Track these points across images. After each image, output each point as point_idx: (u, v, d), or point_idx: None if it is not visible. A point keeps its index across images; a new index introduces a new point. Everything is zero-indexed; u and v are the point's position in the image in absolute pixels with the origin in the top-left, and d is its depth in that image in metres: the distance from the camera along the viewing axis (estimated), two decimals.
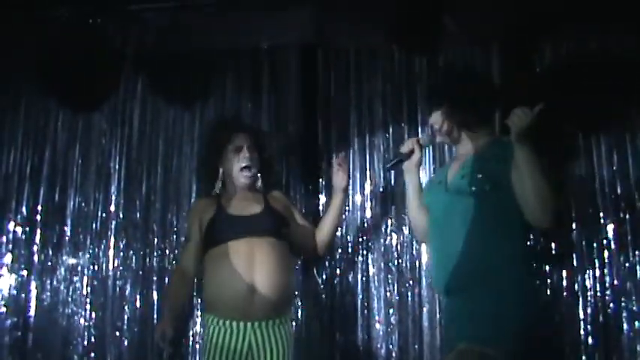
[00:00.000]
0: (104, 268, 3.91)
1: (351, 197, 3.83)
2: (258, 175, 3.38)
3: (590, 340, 3.54)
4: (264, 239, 3.18)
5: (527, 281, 2.75)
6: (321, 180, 3.92)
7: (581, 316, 3.58)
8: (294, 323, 3.65)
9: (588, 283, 3.61)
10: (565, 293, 3.62)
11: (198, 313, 3.83)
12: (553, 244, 3.68)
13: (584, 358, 3.53)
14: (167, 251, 3.91)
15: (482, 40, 3.88)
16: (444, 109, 2.89)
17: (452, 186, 2.78)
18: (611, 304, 3.56)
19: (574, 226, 3.68)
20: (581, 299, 3.60)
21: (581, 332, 3.57)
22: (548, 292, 3.62)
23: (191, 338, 3.83)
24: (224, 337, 3.08)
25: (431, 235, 2.88)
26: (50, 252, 3.95)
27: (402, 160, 3.05)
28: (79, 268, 3.93)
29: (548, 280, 3.64)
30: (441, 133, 2.93)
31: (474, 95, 2.86)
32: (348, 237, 3.89)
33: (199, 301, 3.76)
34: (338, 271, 3.86)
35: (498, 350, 2.49)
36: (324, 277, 3.84)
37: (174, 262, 3.83)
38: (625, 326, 3.51)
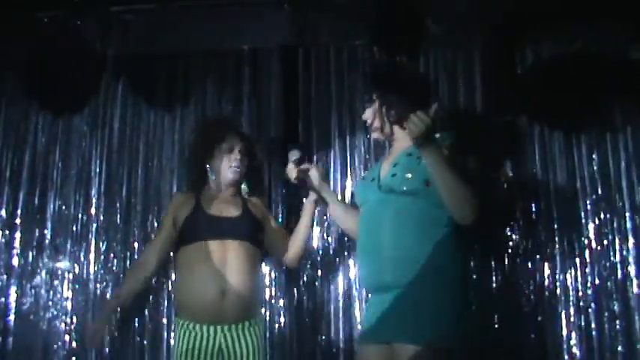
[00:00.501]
0: (85, 271, 3.88)
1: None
2: (242, 181, 3.38)
3: (572, 340, 3.57)
4: (239, 243, 3.17)
5: (462, 279, 2.76)
6: None
7: (564, 316, 3.62)
8: (276, 325, 3.74)
9: (570, 282, 3.65)
10: (546, 293, 3.66)
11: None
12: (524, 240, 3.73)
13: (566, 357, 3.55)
14: None
15: (464, 41, 3.91)
16: (376, 103, 2.90)
17: (384, 184, 2.77)
18: (592, 304, 3.59)
19: (555, 225, 3.71)
20: (563, 299, 3.63)
21: (564, 332, 3.60)
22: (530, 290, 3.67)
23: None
24: (194, 341, 3.08)
25: (362, 231, 2.85)
26: (30, 255, 3.93)
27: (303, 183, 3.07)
28: (60, 272, 3.90)
29: (531, 280, 3.69)
30: (373, 129, 2.94)
31: (403, 91, 2.86)
32: (329, 239, 3.89)
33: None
34: (319, 272, 3.85)
35: (437, 349, 2.53)
36: (305, 279, 3.84)
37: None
38: (606, 326, 3.56)
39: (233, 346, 3.10)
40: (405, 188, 2.68)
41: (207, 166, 3.36)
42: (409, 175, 2.69)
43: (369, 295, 2.85)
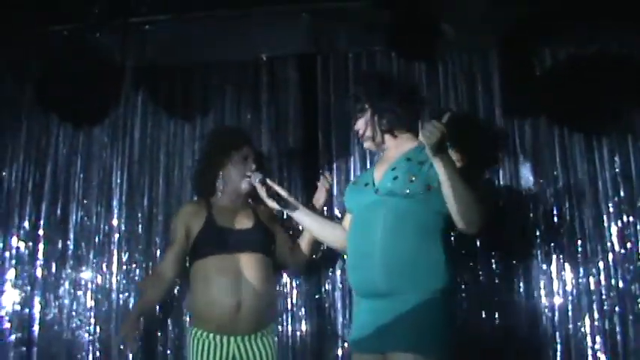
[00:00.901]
0: (107, 281, 3.88)
1: None
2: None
3: (597, 345, 3.54)
4: (253, 255, 3.21)
5: (455, 287, 2.79)
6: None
7: (587, 319, 3.58)
8: (298, 334, 3.73)
9: (593, 286, 3.60)
10: (569, 297, 3.63)
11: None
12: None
13: None
14: None
15: (481, 46, 3.89)
16: (368, 112, 2.92)
17: (383, 188, 2.75)
18: (617, 308, 3.55)
19: (577, 228, 3.67)
20: (586, 302, 3.60)
21: (588, 336, 3.56)
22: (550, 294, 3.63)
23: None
24: (208, 350, 3.11)
25: (353, 236, 2.84)
26: (53, 266, 3.92)
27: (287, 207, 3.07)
28: (83, 282, 3.89)
29: (553, 284, 3.65)
30: (365, 138, 2.94)
31: (394, 100, 2.89)
32: None
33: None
34: (339, 278, 3.81)
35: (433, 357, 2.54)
36: (327, 287, 3.80)
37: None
38: (631, 330, 3.51)
39: (247, 355, 3.13)
40: (407, 191, 2.67)
41: (221, 173, 3.38)
42: (413, 179, 2.70)
43: (359, 300, 2.82)
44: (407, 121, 2.96)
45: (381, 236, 2.67)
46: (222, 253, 3.17)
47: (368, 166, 3.86)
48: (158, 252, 3.86)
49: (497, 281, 3.65)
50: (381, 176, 2.82)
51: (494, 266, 3.66)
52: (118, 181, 4.00)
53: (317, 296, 3.77)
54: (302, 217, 3.09)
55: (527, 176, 3.77)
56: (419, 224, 2.67)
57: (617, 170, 3.70)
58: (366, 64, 3.98)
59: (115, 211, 3.96)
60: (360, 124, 2.96)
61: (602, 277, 3.59)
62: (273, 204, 3.04)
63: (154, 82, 4.06)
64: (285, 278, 3.80)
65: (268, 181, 3.11)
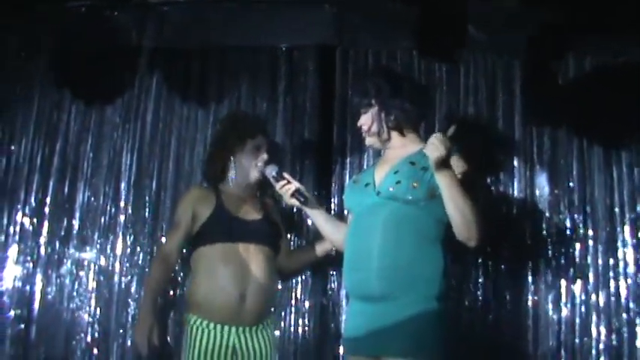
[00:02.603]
0: (111, 263, 3.82)
1: None
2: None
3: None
4: (260, 247, 3.18)
5: (448, 294, 2.75)
6: (333, 184, 3.83)
7: (594, 335, 3.55)
8: (300, 330, 3.69)
9: (603, 302, 3.57)
10: (578, 312, 3.60)
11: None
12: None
13: None
14: None
15: (504, 50, 3.83)
16: (375, 108, 2.87)
17: (384, 190, 2.72)
18: (625, 327, 3.53)
19: (590, 242, 3.64)
20: (595, 319, 3.57)
21: (593, 352, 3.54)
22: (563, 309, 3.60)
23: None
24: (208, 339, 3.06)
25: (351, 237, 2.81)
26: (57, 245, 3.86)
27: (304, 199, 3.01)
28: (86, 263, 3.83)
29: (562, 299, 3.62)
30: (370, 134, 2.90)
31: (404, 97, 2.86)
32: None
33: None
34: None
35: None
36: (333, 285, 3.75)
37: (179, 262, 3.63)
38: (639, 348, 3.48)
39: (247, 346, 3.10)
40: (410, 197, 2.65)
41: (232, 160, 3.33)
42: (415, 185, 2.67)
43: (353, 301, 2.81)
44: (415, 120, 2.94)
45: (380, 240, 2.66)
46: (230, 241, 3.14)
47: None
48: (163, 238, 3.78)
49: (504, 293, 3.62)
50: (382, 178, 2.79)
51: (501, 277, 3.63)
52: (128, 162, 3.93)
53: (322, 293, 3.74)
54: (317, 215, 3.06)
55: (542, 186, 3.71)
56: (419, 231, 2.65)
57: (635, 185, 3.66)
58: (386, 61, 3.92)
59: (123, 193, 3.89)
60: (366, 120, 2.92)
61: (612, 293, 3.57)
62: (291, 199, 2.98)
63: (169, 65, 3.99)
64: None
65: (285, 174, 3.04)
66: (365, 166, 3.77)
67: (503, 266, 3.62)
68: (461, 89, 3.86)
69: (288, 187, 2.97)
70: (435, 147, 2.51)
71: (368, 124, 2.91)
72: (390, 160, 2.86)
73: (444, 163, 2.55)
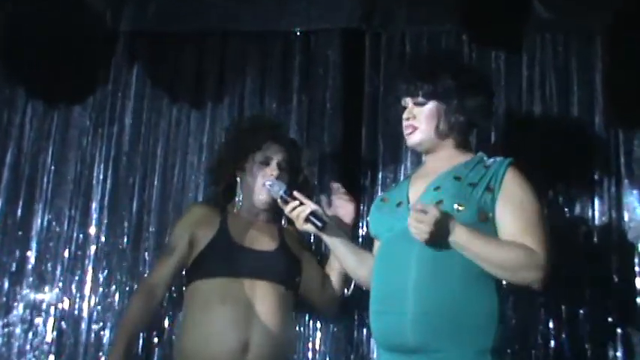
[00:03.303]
0: (77, 307, 3.49)
1: None
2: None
3: None
4: (271, 285, 2.91)
5: (506, 347, 2.56)
6: (362, 205, 3.40)
7: None
8: None
9: None
10: None
11: None
12: None
13: None
14: None
15: (581, 31, 3.47)
16: (436, 102, 2.55)
17: None
18: None
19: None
20: None
21: None
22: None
23: None
24: None
25: (379, 272, 2.54)
26: (5, 283, 3.53)
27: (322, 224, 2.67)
28: (44, 307, 3.50)
29: None
30: (420, 132, 2.57)
31: (481, 90, 2.58)
32: None
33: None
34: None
35: None
36: (360, 332, 3.38)
37: (165, 305, 3.34)
38: None
39: None
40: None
41: (238, 179, 3.07)
42: (461, 208, 2.37)
43: (381, 353, 2.53)
44: (476, 123, 2.66)
45: (416, 276, 2.37)
46: (233, 276, 2.87)
47: None
48: (147, 272, 3.44)
49: (584, 346, 3.21)
50: (419, 195, 2.50)
51: (579, 325, 3.24)
52: (101, 177, 3.63)
53: (346, 342, 3.40)
54: (338, 245, 2.72)
55: (632, 206, 3.32)
56: (466, 264, 2.34)
57: None
58: (427, 46, 3.59)
59: (94, 216, 3.58)
60: (419, 114, 2.56)
61: None
62: (305, 225, 2.64)
63: (154, 54, 3.71)
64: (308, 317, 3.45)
65: (296, 193, 2.67)
66: (401, 178, 3.40)
67: (581, 310, 3.24)
68: (523, 82, 3.51)
69: (300, 210, 2.63)
70: (415, 230, 2.29)
71: (422, 121, 2.55)
72: (431, 173, 2.55)
73: (439, 237, 2.29)
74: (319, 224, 2.62)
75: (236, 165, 3.05)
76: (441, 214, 2.24)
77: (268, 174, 2.96)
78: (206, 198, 3.35)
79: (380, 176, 3.50)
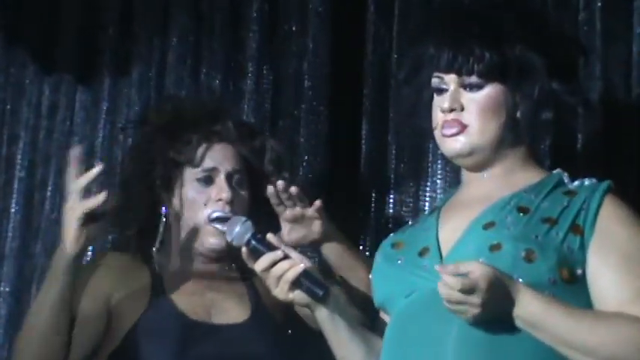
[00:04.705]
0: None
1: None
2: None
3: None
4: None
5: None
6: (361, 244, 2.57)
7: None
8: None
9: None
10: None
11: None
12: None
13: None
14: None
15: None
16: (503, 85, 1.78)
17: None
18: None
19: None
20: None
21: None
22: None
23: None
24: None
25: (388, 352, 1.80)
26: None
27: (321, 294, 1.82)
28: None
29: None
30: (468, 132, 1.79)
31: (573, 59, 1.87)
32: None
33: None
34: None
35: None
36: None
37: None
38: None
39: None
40: (520, 280, 1.64)
41: (163, 208, 2.19)
42: (532, 259, 1.63)
43: None
44: (569, 120, 2.16)
45: (445, 356, 1.65)
46: None
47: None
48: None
49: None
50: (457, 237, 1.73)
51: None
52: None
53: None
54: (341, 329, 1.87)
55: None
56: (537, 353, 1.60)
57: None
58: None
59: None
60: (469, 103, 1.75)
61: None
62: (289, 294, 1.83)
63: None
64: None
65: (271, 237, 1.83)
66: (427, 206, 2.53)
67: None
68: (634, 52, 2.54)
69: (284, 268, 1.81)
70: (454, 307, 1.53)
71: (476, 116, 1.76)
72: (477, 201, 1.76)
73: (496, 307, 1.55)
74: (318, 291, 1.79)
75: (155, 191, 2.17)
76: (494, 276, 1.55)
77: (214, 199, 2.10)
78: (114, 245, 2.40)
79: (391, 200, 2.52)
